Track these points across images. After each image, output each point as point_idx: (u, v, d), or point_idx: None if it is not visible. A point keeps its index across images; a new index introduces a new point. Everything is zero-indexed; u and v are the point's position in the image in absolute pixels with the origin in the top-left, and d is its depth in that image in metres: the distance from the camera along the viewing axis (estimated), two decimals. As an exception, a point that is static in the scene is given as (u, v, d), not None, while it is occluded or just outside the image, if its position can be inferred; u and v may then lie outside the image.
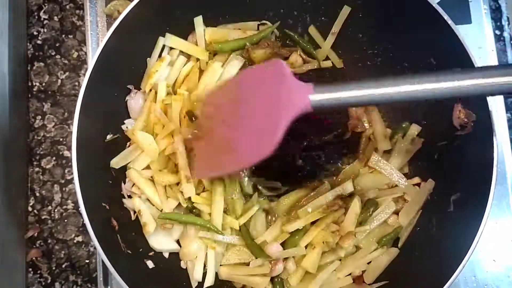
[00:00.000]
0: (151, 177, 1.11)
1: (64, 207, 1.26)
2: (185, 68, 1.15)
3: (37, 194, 1.26)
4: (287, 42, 1.20)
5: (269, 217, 1.12)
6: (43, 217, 1.25)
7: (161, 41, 1.13)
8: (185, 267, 1.11)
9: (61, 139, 1.28)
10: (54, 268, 1.24)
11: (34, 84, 1.31)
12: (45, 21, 1.34)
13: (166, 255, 1.11)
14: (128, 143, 1.13)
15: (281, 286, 1.09)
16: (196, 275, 1.08)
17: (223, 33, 1.16)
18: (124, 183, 1.11)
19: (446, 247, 0.99)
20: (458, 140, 1.02)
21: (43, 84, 1.31)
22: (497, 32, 1.26)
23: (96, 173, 1.04)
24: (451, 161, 1.05)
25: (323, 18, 1.16)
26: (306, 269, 1.06)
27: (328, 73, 1.21)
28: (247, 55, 1.15)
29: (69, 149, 1.19)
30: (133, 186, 1.11)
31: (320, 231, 1.07)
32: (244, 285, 1.11)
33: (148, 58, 1.13)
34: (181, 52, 1.15)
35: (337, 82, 0.80)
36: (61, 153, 1.28)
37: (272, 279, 1.09)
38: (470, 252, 0.91)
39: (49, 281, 1.23)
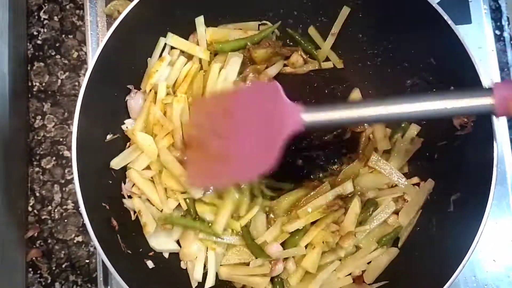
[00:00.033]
0: (151, 177, 1.11)
1: (64, 207, 1.26)
2: (185, 68, 1.15)
3: (37, 194, 1.26)
4: (287, 42, 1.20)
5: (269, 217, 1.12)
6: (43, 217, 1.25)
7: (162, 41, 1.13)
8: (185, 268, 1.11)
9: (61, 139, 1.28)
10: (54, 268, 1.24)
11: (34, 84, 1.31)
12: (45, 21, 1.34)
13: (166, 255, 1.11)
14: (128, 144, 1.13)
15: (281, 286, 1.09)
16: (196, 276, 1.08)
17: (224, 33, 1.16)
18: (124, 183, 1.11)
19: (446, 247, 0.99)
20: (458, 140, 1.02)
21: (43, 84, 1.31)
22: (497, 32, 1.26)
23: (96, 173, 1.04)
24: (451, 161, 1.05)
25: (323, 18, 1.16)
26: (306, 269, 1.06)
27: (328, 73, 1.21)
28: (248, 55, 1.15)
29: (69, 149, 1.19)
30: (133, 186, 1.11)
31: (320, 231, 1.07)
32: (244, 285, 1.11)
33: (149, 58, 1.13)
34: (182, 53, 1.15)
35: (327, 104, 0.86)
36: (61, 153, 1.28)
37: (272, 279, 1.09)
38: (470, 252, 0.91)
39: (49, 281, 1.23)
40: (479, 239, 0.90)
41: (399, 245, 1.10)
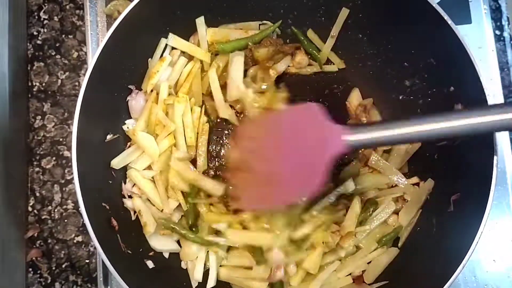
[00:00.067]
0: (152, 177, 1.11)
1: (64, 207, 1.26)
2: (186, 68, 1.15)
3: (37, 194, 1.26)
4: (287, 41, 1.20)
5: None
6: (43, 217, 1.25)
7: (163, 41, 1.13)
8: (185, 268, 1.11)
9: (61, 139, 1.28)
10: (54, 268, 1.23)
11: (34, 84, 1.31)
12: (45, 21, 1.34)
13: (166, 255, 1.11)
14: (128, 144, 1.13)
15: (281, 287, 1.09)
16: (196, 275, 1.08)
17: (225, 34, 1.16)
18: (125, 183, 1.11)
19: (446, 247, 0.99)
20: (458, 140, 1.02)
21: (43, 84, 1.31)
22: (497, 32, 1.26)
23: (96, 173, 1.04)
24: (451, 161, 1.05)
25: (323, 19, 1.16)
26: (308, 270, 1.06)
27: (329, 73, 1.21)
28: (250, 55, 1.15)
29: (69, 149, 1.19)
30: (133, 186, 1.11)
31: (320, 232, 1.07)
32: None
33: (150, 59, 1.13)
34: (182, 53, 1.15)
35: (369, 123, 0.88)
36: (61, 153, 1.28)
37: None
38: (470, 252, 0.91)
39: (49, 281, 1.23)
40: (479, 239, 0.90)
41: (399, 244, 1.10)
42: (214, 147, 1.19)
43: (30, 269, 1.23)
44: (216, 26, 1.16)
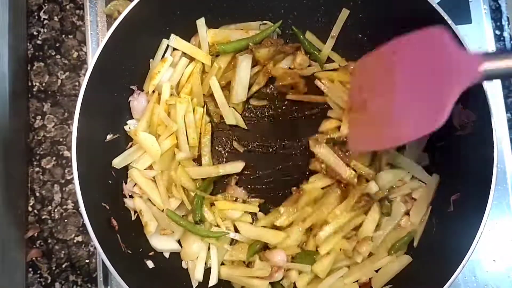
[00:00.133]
0: (153, 177, 1.11)
1: (64, 207, 1.26)
2: (188, 69, 1.15)
3: (37, 194, 1.26)
4: (287, 41, 1.20)
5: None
6: (43, 217, 1.25)
7: (164, 42, 1.13)
8: (186, 267, 1.11)
9: (61, 139, 1.28)
10: (54, 268, 1.23)
11: (34, 84, 1.31)
12: (45, 21, 1.34)
13: (167, 255, 1.11)
14: (130, 144, 1.13)
15: (282, 286, 1.09)
16: (197, 275, 1.08)
17: (226, 34, 1.16)
18: (125, 183, 1.11)
19: (446, 247, 0.99)
20: (458, 140, 1.02)
21: (43, 84, 1.31)
22: (497, 32, 1.26)
23: (96, 173, 1.04)
24: (451, 162, 1.05)
25: (323, 19, 1.16)
26: (317, 274, 1.06)
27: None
28: (251, 55, 1.15)
29: (69, 149, 1.19)
30: (134, 186, 1.11)
31: (339, 238, 1.06)
32: (243, 286, 1.10)
33: (151, 60, 1.14)
34: (183, 54, 1.16)
35: (502, 50, 0.79)
36: (61, 153, 1.28)
37: (272, 282, 1.09)
38: (470, 252, 0.91)
39: (49, 281, 1.23)
40: (479, 239, 0.90)
41: (415, 244, 1.08)
42: (218, 146, 1.19)
43: (30, 269, 1.23)
44: (216, 26, 1.16)
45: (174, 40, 1.13)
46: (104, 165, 1.08)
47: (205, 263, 1.10)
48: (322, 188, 1.11)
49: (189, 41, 1.16)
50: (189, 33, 1.16)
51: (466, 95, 0.96)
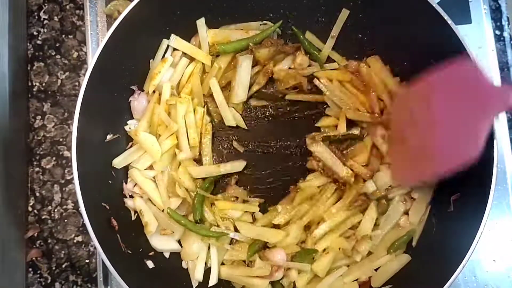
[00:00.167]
0: (153, 177, 1.11)
1: (64, 207, 1.26)
2: (188, 69, 1.15)
3: (37, 194, 1.26)
4: (287, 41, 1.20)
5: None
6: (43, 217, 1.25)
7: (165, 43, 1.13)
8: (186, 267, 1.11)
9: (61, 139, 1.28)
10: (54, 268, 1.23)
11: (34, 84, 1.31)
12: (45, 21, 1.34)
13: (167, 255, 1.11)
14: (130, 144, 1.13)
15: (282, 286, 1.09)
16: (197, 275, 1.08)
17: (226, 34, 1.16)
18: (126, 183, 1.11)
19: (446, 247, 0.99)
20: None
21: (43, 84, 1.31)
22: (497, 32, 1.26)
23: (96, 173, 1.04)
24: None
25: (323, 19, 1.16)
26: (316, 273, 1.06)
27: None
28: (251, 55, 1.15)
29: (69, 149, 1.19)
30: (135, 186, 1.11)
31: (337, 238, 1.07)
32: (243, 286, 1.10)
33: (151, 60, 1.14)
34: (184, 54, 1.16)
35: None
36: (61, 153, 1.28)
37: (272, 281, 1.09)
38: (470, 252, 0.91)
39: (49, 281, 1.23)
40: (479, 239, 0.90)
41: (414, 244, 1.09)
42: (218, 146, 1.19)
43: (30, 269, 1.23)
44: (216, 26, 1.16)
45: (174, 40, 1.13)
46: (104, 165, 1.08)
47: (205, 263, 1.10)
48: (319, 186, 1.11)
49: (189, 41, 1.16)
50: (189, 33, 1.16)
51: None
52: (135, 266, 1.05)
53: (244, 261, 1.10)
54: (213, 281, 1.08)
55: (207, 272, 1.09)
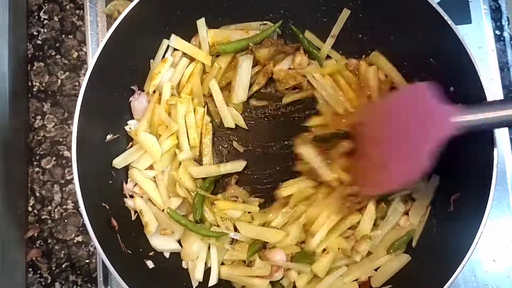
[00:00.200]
0: (153, 177, 1.11)
1: (64, 207, 1.26)
2: (188, 69, 1.16)
3: (37, 194, 1.26)
4: (287, 41, 1.20)
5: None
6: (43, 217, 1.25)
7: (165, 43, 1.13)
8: (186, 267, 1.11)
9: (61, 139, 1.28)
10: (54, 268, 1.24)
11: (34, 84, 1.31)
12: (45, 21, 1.34)
13: (167, 255, 1.12)
14: (130, 144, 1.13)
15: (282, 286, 1.09)
16: (197, 275, 1.08)
17: (226, 35, 1.16)
18: (126, 183, 1.11)
19: (446, 247, 0.99)
20: (458, 140, 1.02)
21: (43, 84, 1.31)
22: (497, 32, 1.26)
23: (96, 173, 1.04)
24: (451, 161, 1.05)
25: (323, 19, 1.16)
26: (316, 273, 1.06)
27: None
28: (251, 55, 1.15)
29: (69, 149, 1.19)
30: (135, 186, 1.11)
31: (335, 238, 1.07)
32: (243, 286, 1.10)
33: (151, 60, 1.14)
34: (184, 54, 1.16)
35: (481, 102, 0.81)
36: (61, 153, 1.28)
37: (272, 281, 1.09)
38: (470, 252, 0.91)
39: (49, 281, 1.23)
40: (479, 239, 0.90)
41: (413, 244, 1.09)
42: (218, 146, 1.19)
43: (30, 269, 1.24)
44: (216, 27, 1.16)
45: (175, 41, 1.13)
46: (104, 165, 1.08)
47: (205, 263, 1.10)
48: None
49: (189, 41, 1.16)
50: (189, 33, 1.16)
51: (467, 94, 0.97)
52: (135, 266, 1.05)
53: (244, 261, 1.10)
54: (213, 281, 1.08)
55: (207, 272, 1.09)
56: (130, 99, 1.13)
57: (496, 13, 1.27)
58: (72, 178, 0.98)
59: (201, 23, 1.14)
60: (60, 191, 1.26)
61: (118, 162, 1.09)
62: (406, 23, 1.04)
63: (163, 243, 1.10)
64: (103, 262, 1.09)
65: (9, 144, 1.21)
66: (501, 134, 1.20)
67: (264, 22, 1.17)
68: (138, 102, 1.13)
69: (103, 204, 1.04)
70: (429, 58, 1.04)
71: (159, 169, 1.10)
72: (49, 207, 1.26)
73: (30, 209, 1.26)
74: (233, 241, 1.12)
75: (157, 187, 1.10)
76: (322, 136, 1.11)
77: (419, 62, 1.06)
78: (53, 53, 1.32)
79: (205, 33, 1.15)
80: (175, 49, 1.15)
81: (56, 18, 1.34)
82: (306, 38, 1.18)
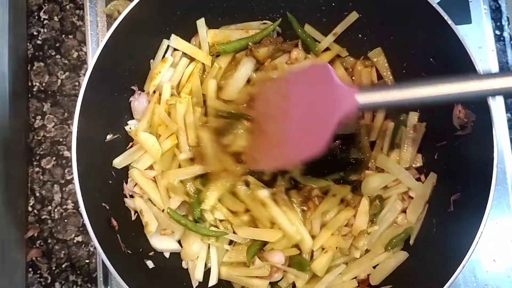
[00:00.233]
0: (154, 177, 1.11)
1: (64, 207, 1.26)
2: (188, 69, 1.16)
3: (37, 194, 1.26)
4: (287, 41, 1.20)
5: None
6: (43, 217, 1.25)
7: (165, 43, 1.13)
8: (186, 267, 1.11)
9: (61, 139, 1.28)
10: (54, 268, 1.24)
11: (34, 84, 1.31)
12: (45, 21, 1.34)
13: (167, 255, 1.11)
14: (130, 144, 1.13)
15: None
16: (197, 275, 1.08)
17: (226, 34, 1.16)
18: (126, 183, 1.11)
19: (446, 247, 0.99)
20: (458, 140, 1.02)
21: (43, 84, 1.31)
22: (497, 32, 1.27)
23: (96, 173, 1.04)
24: (451, 162, 1.05)
25: (323, 19, 1.16)
26: (315, 273, 1.06)
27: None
28: (250, 55, 1.15)
29: (69, 149, 1.19)
30: (135, 186, 1.11)
31: (332, 236, 1.07)
32: (243, 286, 1.10)
33: (151, 60, 1.14)
34: (184, 54, 1.16)
35: (382, 85, 0.86)
36: (61, 153, 1.28)
37: (273, 282, 1.09)
38: (470, 252, 0.91)
39: (49, 281, 1.23)
40: (479, 239, 0.90)
41: (411, 242, 1.09)
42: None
43: (30, 269, 1.24)
44: (216, 27, 1.16)
45: (175, 41, 1.13)
46: (104, 165, 1.08)
47: (205, 263, 1.10)
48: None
49: (189, 41, 1.16)
50: (189, 33, 1.16)
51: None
52: (135, 266, 1.05)
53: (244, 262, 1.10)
54: (213, 281, 1.08)
55: (207, 272, 1.09)
56: (130, 99, 1.13)
57: (496, 13, 1.27)
58: (72, 178, 0.98)
59: (201, 23, 1.14)
60: (60, 191, 1.26)
61: (118, 162, 1.09)
62: (406, 23, 1.04)
63: (163, 243, 1.10)
64: (103, 262, 1.09)
65: (9, 144, 1.21)
66: (501, 134, 1.20)
67: (264, 21, 1.17)
68: (138, 102, 1.13)
69: (103, 204, 1.04)
70: (429, 58, 1.04)
71: (159, 169, 1.10)
72: (49, 207, 1.26)
73: (30, 209, 1.26)
74: (232, 242, 1.12)
75: (157, 187, 1.10)
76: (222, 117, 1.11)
77: (419, 62, 1.06)
78: (53, 53, 1.32)
79: (205, 33, 1.15)
80: (175, 49, 1.15)
81: (56, 18, 1.34)
82: (305, 31, 1.17)
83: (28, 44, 1.33)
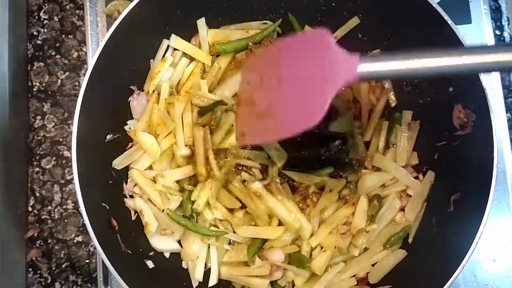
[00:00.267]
0: (153, 177, 1.11)
1: (64, 207, 1.26)
2: (188, 69, 1.16)
3: (37, 194, 1.26)
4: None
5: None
6: (43, 217, 1.25)
7: (165, 43, 1.13)
8: (186, 267, 1.11)
9: (61, 139, 1.28)
10: (54, 268, 1.24)
11: (34, 84, 1.31)
12: (45, 21, 1.34)
13: (167, 255, 1.12)
14: (130, 144, 1.13)
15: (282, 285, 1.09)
16: (197, 275, 1.08)
17: (226, 34, 1.16)
18: (126, 183, 1.11)
19: (446, 247, 0.99)
20: (458, 140, 1.02)
21: (43, 84, 1.31)
22: (497, 32, 1.27)
23: (96, 173, 1.04)
24: (451, 162, 1.05)
25: (323, 19, 1.16)
26: (314, 271, 1.06)
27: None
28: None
29: (69, 149, 1.19)
30: (135, 186, 1.11)
31: (331, 235, 1.07)
32: (243, 286, 1.10)
33: (151, 60, 1.14)
34: (184, 54, 1.16)
35: (385, 52, 0.78)
36: (61, 153, 1.28)
37: (272, 281, 1.09)
38: (470, 252, 0.91)
39: (49, 281, 1.23)
40: (479, 239, 0.90)
41: (410, 240, 1.09)
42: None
43: (30, 269, 1.24)
44: (216, 26, 1.16)
45: (175, 40, 1.13)
46: (104, 165, 1.08)
47: (205, 263, 1.10)
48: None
49: (189, 41, 1.16)
50: (189, 33, 1.16)
51: (467, 94, 0.97)
52: (135, 266, 1.05)
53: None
54: (213, 281, 1.08)
55: (207, 272, 1.09)
56: (130, 99, 1.13)
57: (496, 13, 1.27)
58: (72, 178, 0.98)
59: (201, 23, 1.14)
60: (60, 191, 1.26)
61: (118, 162, 1.09)
62: (406, 23, 1.04)
63: (163, 243, 1.10)
64: (103, 262, 1.09)
65: (9, 144, 1.21)
66: (501, 134, 1.20)
67: (264, 22, 1.17)
68: (138, 102, 1.13)
69: (103, 204, 1.04)
70: (429, 58, 1.04)
71: (159, 169, 1.10)
72: (49, 207, 1.26)
73: (30, 209, 1.26)
74: (232, 242, 1.12)
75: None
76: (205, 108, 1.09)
77: (419, 62, 1.06)
78: (53, 53, 1.32)
79: (205, 33, 1.15)
80: (175, 49, 1.15)
81: (56, 18, 1.34)
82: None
83: (28, 44, 1.33)
